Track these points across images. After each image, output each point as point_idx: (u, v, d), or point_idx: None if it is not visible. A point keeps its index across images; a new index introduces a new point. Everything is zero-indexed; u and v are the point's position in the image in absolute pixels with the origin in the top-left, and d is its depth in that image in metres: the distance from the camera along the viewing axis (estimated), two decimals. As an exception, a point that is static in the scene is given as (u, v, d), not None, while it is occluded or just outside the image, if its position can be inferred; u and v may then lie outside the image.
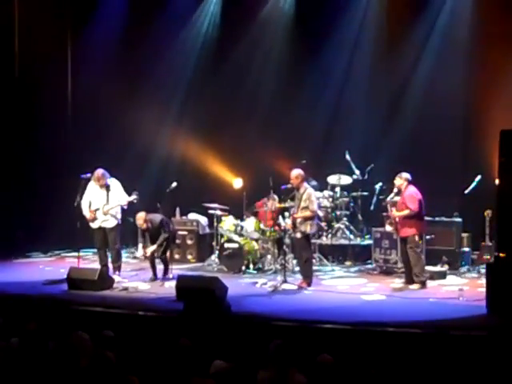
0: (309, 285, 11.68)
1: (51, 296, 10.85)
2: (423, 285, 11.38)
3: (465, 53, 13.94)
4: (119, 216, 12.30)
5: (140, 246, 13.59)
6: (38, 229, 14.95)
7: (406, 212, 11.43)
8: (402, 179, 11.56)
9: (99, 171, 12.16)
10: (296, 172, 11.82)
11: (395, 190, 11.71)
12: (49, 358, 6.54)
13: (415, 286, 11.36)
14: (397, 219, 11.58)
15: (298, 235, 11.73)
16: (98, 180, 12.12)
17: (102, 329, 7.26)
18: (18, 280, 12.11)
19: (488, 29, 13.51)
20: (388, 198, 11.99)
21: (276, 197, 13.44)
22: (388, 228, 12.22)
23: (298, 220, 11.65)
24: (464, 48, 13.96)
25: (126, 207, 12.32)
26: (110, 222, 12.22)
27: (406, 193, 11.52)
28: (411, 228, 11.42)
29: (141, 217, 12.15)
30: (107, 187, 12.18)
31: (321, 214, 13.17)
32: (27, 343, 6.88)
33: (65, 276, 11.46)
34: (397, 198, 11.80)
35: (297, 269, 12.89)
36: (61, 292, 11.21)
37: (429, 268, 12.26)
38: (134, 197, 12.19)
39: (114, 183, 12.30)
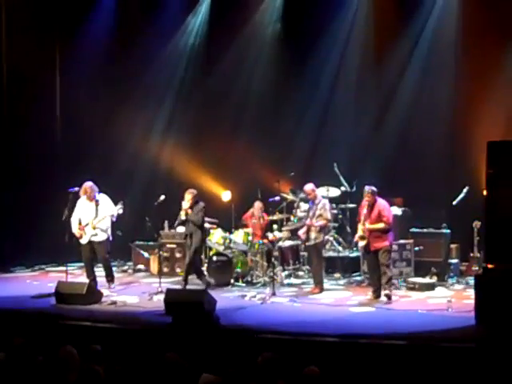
0: (321, 291, 11.92)
1: (39, 310, 10.80)
2: (390, 297, 11.26)
3: (451, 65, 14.02)
4: (109, 230, 12.28)
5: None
6: (23, 243, 14.82)
7: (381, 225, 11.35)
8: (372, 194, 11.37)
9: (87, 184, 12.19)
10: (309, 186, 12.17)
11: (366, 204, 11.40)
12: (37, 373, 6.50)
13: (385, 298, 11.28)
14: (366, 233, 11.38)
15: (312, 242, 12.02)
16: (85, 192, 12.12)
17: (90, 343, 7.23)
18: (6, 295, 12.04)
19: (474, 41, 13.58)
20: (362, 217, 11.53)
21: (260, 202, 13.55)
22: (361, 243, 11.53)
23: (313, 228, 11.95)
24: (450, 60, 14.05)
25: (115, 219, 12.30)
26: (99, 236, 12.19)
27: (379, 206, 11.41)
28: (384, 241, 11.37)
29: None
30: (96, 201, 12.18)
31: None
32: (14, 358, 6.84)
33: (53, 290, 11.41)
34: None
35: (286, 281, 12.90)
36: (49, 306, 11.14)
37: (417, 280, 12.30)
38: (119, 206, 12.18)
39: (103, 198, 12.30)
